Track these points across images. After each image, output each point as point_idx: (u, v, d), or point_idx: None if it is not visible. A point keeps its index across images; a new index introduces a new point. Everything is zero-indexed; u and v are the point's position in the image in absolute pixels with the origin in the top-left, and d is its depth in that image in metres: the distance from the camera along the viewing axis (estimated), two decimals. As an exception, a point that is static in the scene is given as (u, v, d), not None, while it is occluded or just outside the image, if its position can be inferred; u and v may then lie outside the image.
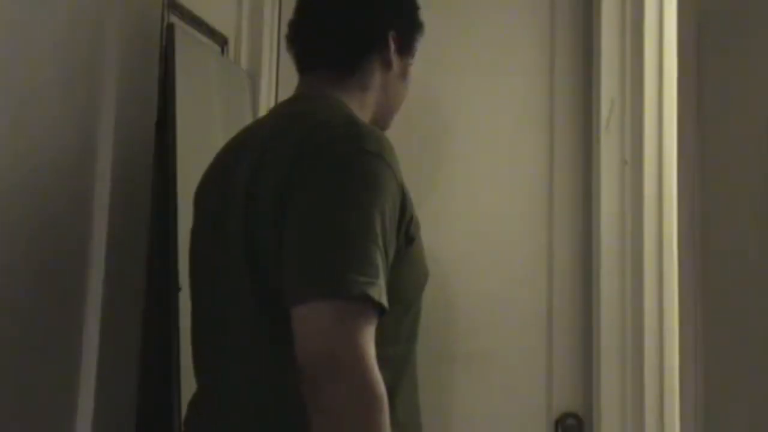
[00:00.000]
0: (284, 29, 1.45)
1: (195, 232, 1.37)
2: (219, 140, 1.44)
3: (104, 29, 1.39)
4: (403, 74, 1.46)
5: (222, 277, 1.26)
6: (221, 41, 1.94)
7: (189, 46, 1.71)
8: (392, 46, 1.40)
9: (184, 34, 1.71)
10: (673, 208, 1.89)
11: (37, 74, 1.23)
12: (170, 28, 1.64)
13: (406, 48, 1.44)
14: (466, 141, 2.17)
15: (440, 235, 2.13)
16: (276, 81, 2.13)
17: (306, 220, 1.16)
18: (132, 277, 1.44)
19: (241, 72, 2.03)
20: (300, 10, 1.42)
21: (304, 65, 1.41)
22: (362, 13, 1.39)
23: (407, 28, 1.45)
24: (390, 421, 1.11)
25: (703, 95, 1.32)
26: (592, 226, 2.08)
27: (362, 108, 1.38)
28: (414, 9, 1.48)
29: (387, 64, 1.40)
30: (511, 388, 2.07)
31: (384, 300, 1.13)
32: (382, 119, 1.47)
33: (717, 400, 1.23)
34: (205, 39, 1.86)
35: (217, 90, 1.86)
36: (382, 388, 1.08)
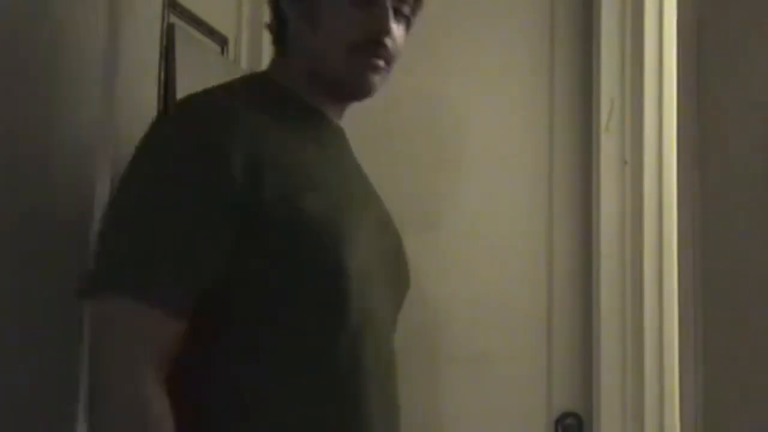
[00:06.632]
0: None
1: None
2: (219, 140, 1.44)
3: (104, 29, 1.39)
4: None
5: None
6: (221, 41, 1.94)
7: (189, 46, 1.71)
8: None
9: (184, 34, 1.71)
10: (673, 208, 1.89)
11: (37, 75, 1.23)
12: (170, 28, 1.64)
13: None
14: (466, 141, 2.17)
15: (440, 235, 2.12)
16: (276, 81, 2.13)
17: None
18: (132, 277, 1.44)
19: (241, 72, 2.03)
20: None
21: None
22: None
23: None
24: None
25: (703, 95, 1.31)
26: (592, 226, 2.08)
27: (289, 70, 1.25)
28: None
29: (295, 13, 1.24)
30: (511, 388, 2.07)
31: (166, 294, 1.00)
32: (329, 61, 1.22)
33: (717, 401, 1.23)
34: (205, 39, 1.86)
35: (217, 90, 1.86)
36: (143, 400, 0.97)
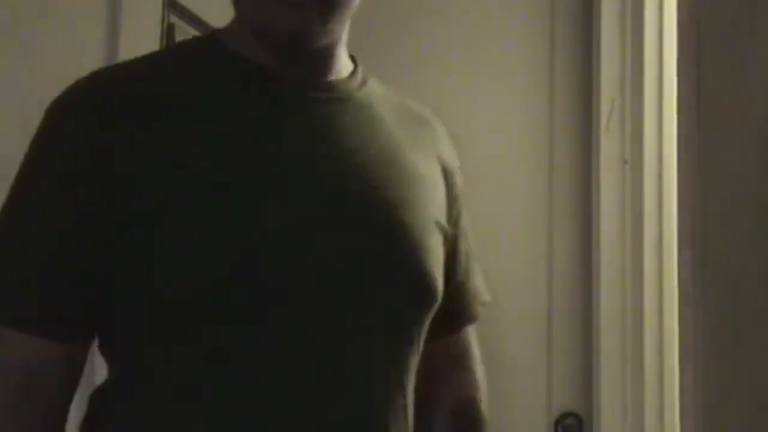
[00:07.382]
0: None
1: None
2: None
3: (104, 29, 1.39)
4: None
5: None
6: (221, 41, 1.94)
7: (189, 46, 1.71)
8: None
9: (184, 34, 1.71)
10: (673, 208, 1.89)
11: (37, 76, 1.23)
12: (170, 28, 1.64)
13: None
14: (466, 141, 2.16)
15: (440, 235, 2.12)
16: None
17: None
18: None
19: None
20: None
21: None
22: None
23: None
24: None
25: (703, 95, 1.31)
26: (592, 226, 2.08)
27: (235, 28, 1.01)
28: None
29: None
30: (511, 387, 2.07)
31: (21, 310, 0.88)
32: (239, 6, 0.97)
33: (717, 401, 1.23)
34: (205, 39, 1.86)
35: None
36: None
